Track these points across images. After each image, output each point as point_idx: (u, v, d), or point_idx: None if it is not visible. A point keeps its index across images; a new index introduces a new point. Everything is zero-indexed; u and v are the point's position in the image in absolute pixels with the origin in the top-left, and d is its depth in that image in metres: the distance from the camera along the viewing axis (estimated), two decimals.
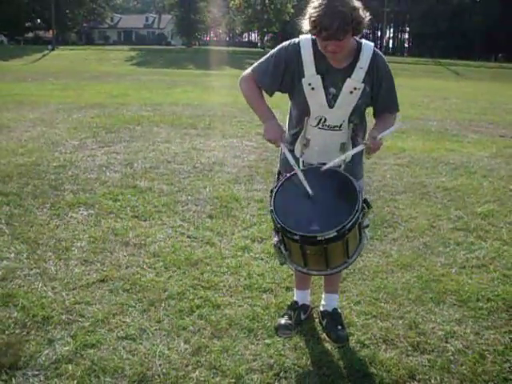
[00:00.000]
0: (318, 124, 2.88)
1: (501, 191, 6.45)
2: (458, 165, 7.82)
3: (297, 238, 2.60)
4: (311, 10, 2.56)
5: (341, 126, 2.87)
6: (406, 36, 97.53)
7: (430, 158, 8.17)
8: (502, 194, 6.31)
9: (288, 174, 2.87)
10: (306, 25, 2.63)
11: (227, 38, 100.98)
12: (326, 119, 2.86)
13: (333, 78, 2.78)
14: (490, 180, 6.99)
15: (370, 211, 2.78)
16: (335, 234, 2.55)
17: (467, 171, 7.45)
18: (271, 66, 2.89)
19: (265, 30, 67.86)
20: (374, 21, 75.29)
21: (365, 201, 2.72)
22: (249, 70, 3.02)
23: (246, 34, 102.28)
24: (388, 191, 6.20)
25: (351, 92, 2.79)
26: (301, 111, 2.91)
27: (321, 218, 2.68)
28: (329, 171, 2.80)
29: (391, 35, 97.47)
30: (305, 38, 2.81)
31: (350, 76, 2.77)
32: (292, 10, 63.88)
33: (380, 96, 2.89)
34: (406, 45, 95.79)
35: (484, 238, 4.86)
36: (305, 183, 2.74)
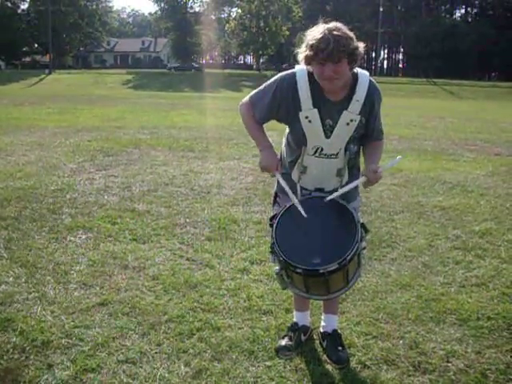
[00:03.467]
0: (315, 153, 2.91)
1: (498, 209, 6.48)
2: (455, 184, 7.85)
3: (299, 271, 2.66)
4: (309, 36, 2.63)
5: (337, 154, 2.91)
6: (401, 57, 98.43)
7: (427, 178, 8.20)
8: (500, 212, 6.33)
9: (287, 205, 2.90)
10: (302, 52, 2.67)
11: (223, 61, 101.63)
12: (322, 149, 2.89)
13: (329, 110, 2.80)
14: (487, 198, 7.01)
15: (367, 235, 2.83)
16: (337, 266, 2.61)
17: (464, 190, 7.48)
18: (267, 99, 2.91)
19: (260, 52, 68.49)
20: (368, 42, 75.98)
21: (362, 225, 2.76)
22: (247, 98, 3.06)
23: (241, 57, 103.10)
24: (386, 211, 6.22)
25: (348, 124, 2.82)
26: (298, 141, 2.93)
27: (322, 250, 2.72)
28: (333, 216, 2.86)
29: (385, 56, 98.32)
30: (301, 70, 2.80)
31: (346, 108, 2.80)
32: (287, 33, 64.61)
33: (371, 125, 2.93)
34: (401, 65, 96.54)
35: (482, 256, 4.86)
36: (299, 207, 2.83)
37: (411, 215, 6.14)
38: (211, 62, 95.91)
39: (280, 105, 2.88)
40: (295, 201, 2.86)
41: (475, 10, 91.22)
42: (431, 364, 3.11)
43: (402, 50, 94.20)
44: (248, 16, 65.44)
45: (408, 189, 7.45)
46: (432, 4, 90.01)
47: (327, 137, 2.85)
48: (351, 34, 2.64)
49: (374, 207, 6.34)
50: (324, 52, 2.55)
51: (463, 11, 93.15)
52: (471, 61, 71.03)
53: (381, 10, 63.53)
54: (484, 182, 8.06)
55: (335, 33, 2.57)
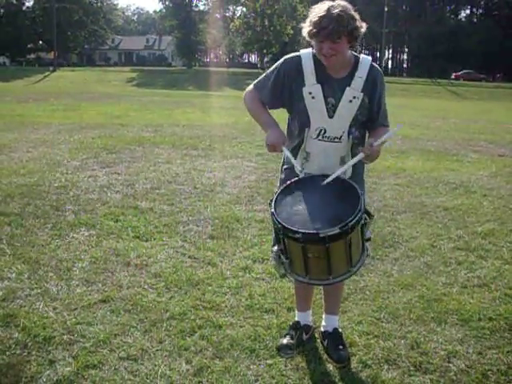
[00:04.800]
0: (318, 136, 2.91)
1: (501, 210, 6.47)
2: (458, 184, 7.84)
3: (299, 236, 2.57)
4: (313, 13, 2.70)
5: (341, 137, 2.91)
6: (405, 56, 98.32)
7: (430, 178, 8.20)
8: (503, 213, 6.32)
9: (289, 181, 2.91)
10: (305, 27, 2.74)
11: (227, 60, 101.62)
12: (325, 130, 2.89)
13: (332, 87, 2.86)
14: (490, 199, 7.01)
15: (371, 221, 2.78)
16: (338, 231, 2.53)
17: (467, 191, 7.47)
18: (271, 79, 3.00)
19: (264, 51, 68.43)
20: (372, 42, 75.88)
21: (366, 211, 2.73)
22: (251, 85, 3.13)
23: (245, 55, 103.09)
24: (388, 211, 6.22)
25: (350, 101, 2.86)
26: (301, 123, 2.95)
27: (323, 217, 2.67)
28: (333, 189, 2.81)
29: (390, 56, 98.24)
30: (305, 51, 2.92)
31: (349, 85, 2.85)
32: (291, 32, 64.47)
33: (375, 107, 2.95)
34: (405, 65, 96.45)
35: (485, 257, 4.86)
36: (294, 162, 2.90)
37: (414, 215, 6.13)
38: (215, 60, 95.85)
39: (284, 83, 2.94)
40: (298, 168, 2.90)
41: (480, 11, 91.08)
42: (432, 364, 3.11)
43: (406, 49, 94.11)
44: (253, 15, 65.43)
45: (411, 189, 7.44)
46: (437, 4, 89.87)
47: (330, 116, 2.87)
48: (354, 14, 2.71)
49: (377, 207, 6.33)
50: (324, 31, 2.64)
51: (468, 11, 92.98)
52: (476, 61, 70.87)
53: (385, 9, 63.36)
54: (487, 183, 8.05)
55: (337, 11, 2.64)
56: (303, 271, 2.73)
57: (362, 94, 2.85)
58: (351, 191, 2.75)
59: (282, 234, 2.67)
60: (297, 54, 2.96)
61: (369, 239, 2.82)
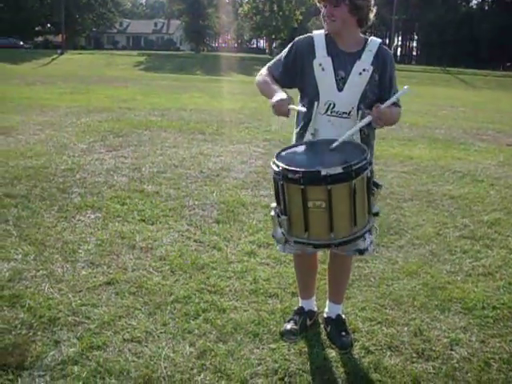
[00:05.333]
0: (327, 111, 2.90)
1: (508, 200, 6.44)
2: (465, 173, 7.81)
3: (299, 175, 2.48)
4: None
5: (349, 113, 2.89)
6: (415, 44, 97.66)
7: (437, 166, 8.17)
8: (509, 203, 6.30)
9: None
10: None
11: (235, 45, 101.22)
12: (334, 104, 2.89)
13: (342, 61, 2.90)
14: (497, 188, 6.98)
15: (379, 191, 2.73)
16: (341, 170, 2.46)
17: (474, 179, 7.45)
18: (284, 56, 3.07)
19: (273, 36, 68.09)
20: (382, 29, 75.39)
21: (374, 182, 2.67)
22: (264, 67, 3.17)
23: (254, 41, 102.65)
24: (394, 198, 6.20)
25: (360, 73, 2.88)
26: (310, 97, 2.95)
27: (327, 160, 2.63)
28: (337, 148, 2.76)
29: (399, 43, 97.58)
30: (317, 31, 3.03)
31: (359, 58, 2.89)
32: (300, 17, 64.11)
33: (387, 85, 2.95)
34: (414, 53, 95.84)
35: (490, 246, 4.85)
36: (300, 108, 2.88)
37: (420, 203, 6.12)
38: (224, 45, 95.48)
39: (296, 58, 3.00)
40: (303, 109, 2.91)
41: None
42: (435, 351, 3.12)
43: (416, 37, 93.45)
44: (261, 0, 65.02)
45: (418, 177, 7.42)
46: None
47: (339, 89, 2.88)
48: None
49: (383, 194, 6.32)
50: None
51: None
52: (486, 50, 70.31)
53: None
54: (494, 172, 8.01)
55: None
56: (302, 228, 2.59)
57: (371, 67, 2.88)
58: (358, 147, 2.73)
59: (282, 179, 2.57)
60: (309, 34, 3.05)
61: (376, 214, 2.72)
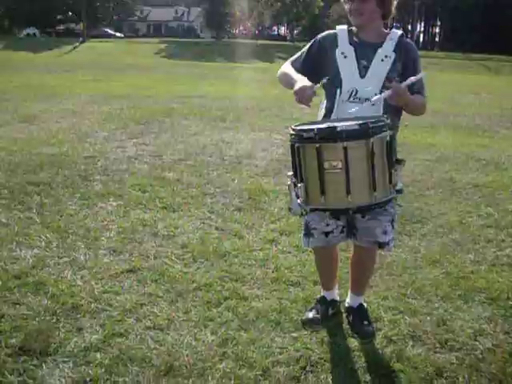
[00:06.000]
0: (350, 97, 2.88)
1: None
2: (489, 161, 7.70)
3: (314, 133, 2.45)
4: None
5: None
6: (437, 30, 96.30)
7: (461, 154, 8.07)
8: None
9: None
10: None
11: (256, 32, 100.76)
12: (357, 91, 2.86)
13: (365, 50, 2.90)
14: None
15: (402, 166, 2.68)
16: (357, 127, 2.42)
17: (498, 167, 7.34)
18: (306, 49, 3.10)
19: (294, 23, 67.69)
20: (404, 14, 74.45)
21: (397, 159, 2.64)
22: (287, 61, 3.18)
23: (275, 28, 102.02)
24: (417, 186, 6.14)
25: (382, 60, 2.87)
26: (333, 84, 2.91)
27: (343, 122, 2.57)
28: (359, 118, 2.70)
29: (422, 29, 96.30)
30: (340, 26, 3.04)
31: (380, 47, 2.89)
32: (321, 4, 63.61)
33: (410, 76, 2.86)
34: (437, 39, 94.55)
35: None
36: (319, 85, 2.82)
37: (443, 191, 6.05)
38: (244, 32, 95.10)
39: (318, 51, 3.02)
40: (324, 80, 2.87)
41: None
42: (458, 342, 3.09)
43: (439, 23, 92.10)
44: None
45: (441, 164, 7.34)
46: None
47: (362, 76, 2.87)
48: None
49: (405, 182, 6.23)
50: None
51: None
52: (511, 35, 69.05)
53: None
54: None
55: None
56: (318, 193, 2.50)
57: (393, 53, 2.87)
58: (376, 114, 2.72)
59: (298, 141, 2.55)
60: (332, 30, 3.07)
61: (400, 191, 2.67)
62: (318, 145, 2.44)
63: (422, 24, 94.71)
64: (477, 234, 4.79)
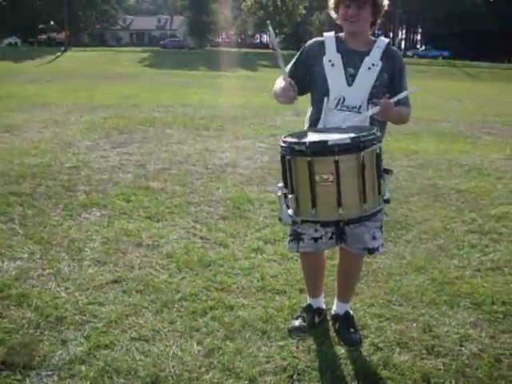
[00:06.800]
0: (337, 105, 2.89)
1: None
2: (472, 167, 7.77)
3: (305, 146, 2.44)
4: None
5: (359, 107, 2.87)
6: (419, 37, 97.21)
7: (444, 160, 8.12)
8: None
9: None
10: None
11: (239, 40, 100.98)
12: (344, 99, 2.88)
13: (352, 58, 2.91)
14: (504, 182, 6.93)
15: (389, 177, 2.67)
16: (348, 141, 2.41)
17: (481, 173, 7.40)
18: (295, 58, 3.09)
19: (277, 31, 67.92)
20: (386, 22, 75.05)
21: (385, 169, 2.64)
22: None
23: (257, 36, 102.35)
24: (401, 193, 6.17)
25: (369, 68, 2.88)
26: (321, 92, 2.93)
27: (334, 136, 2.55)
28: (351, 127, 2.75)
29: (403, 36, 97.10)
30: (327, 33, 3.05)
31: (368, 55, 2.91)
32: (304, 12, 63.94)
33: (397, 85, 2.94)
34: (419, 46, 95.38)
35: (498, 240, 4.82)
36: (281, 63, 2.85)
37: (427, 197, 6.09)
38: (227, 40, 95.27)
39: (306, 58, 3.03)
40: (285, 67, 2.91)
41: None
42: (444, 347, 3.10)
43: (420, 30, 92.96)
44: None
45: (424, 171, 7.38)
46: None
47: (349, 84, 2.88)
48: None
49: (390, 189, 6.24)
50: None
51: None
52: (491, 43, 69.84)
53: None
54: (501, 166, 7.97)
55: None
56: (310, 204, 2.50)
57: (380, 62, 2.88)
58: (366, 126, 2.73)
59: (289, 153, 2.53)
60: (319, 38, 3.07)
61: (387, 200, 2.68)
62: (309, 158, 2.44)
63: (404, 31, 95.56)
64: (461, 239, 4.82)
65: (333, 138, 2.48)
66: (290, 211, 2.61)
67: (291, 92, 2.85)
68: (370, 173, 2.51)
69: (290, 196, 2.58)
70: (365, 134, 2.48)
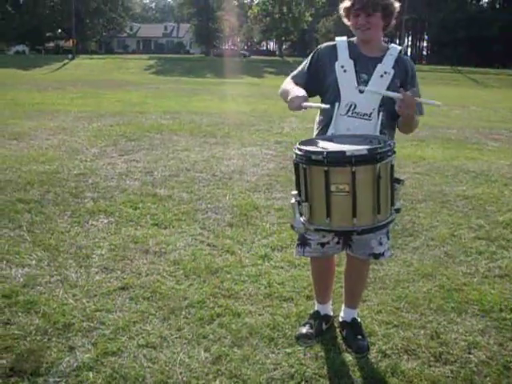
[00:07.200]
0: (348, 111, 2.89)
1: None
2: (479, 173, 7.75)
3: (323, 156, 2.44)
4: None
5: (370, 114, 2.87)
6: (425, 44, 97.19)
7: (450, 167, 8.11)
8: None
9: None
10: (343, 4, 2.94)
11: (245, 47, 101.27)
12: (355, 105, 2.88)
13: (365, 64, 2.92)
14: (511, 188, 6.91)
15: (401, 186, 2.65)
16: (366, 152, 2.42)
17: (488, 180, 7.38)
18: (307, 62, 3.12)
19: (283, 38, 68.13)
20: (392, 28, 75.00)
21: (396, 179, 2.63)
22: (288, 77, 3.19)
23: (263, 43, 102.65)
24: (408, 200, 6.16)
25: (381, 76, 2.89)
26: (332, 97, 2.93)
27: (351, 146, 2.57)
28: (362, 136, 2.77)
29: (409, 43, 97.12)
30: (339, 38, 3.05)
31: (380, 62, 2.91)
32: (310, 19, 64.07)
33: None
34: (425, 52, 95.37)
35: (506, 247, 4.80)
36: (318, 105, 2.86)
37: (434, 204, 6.07)
38: (233, 47, 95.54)
39: (318, 62, 3.04)
40: (323, 106, 2.88)
41: None
42: (452, 355, 3.08)
43: (426, 37, 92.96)
44: (271, 1, 64.93)
45: (431, 177, 7.37)
46: None
47: (361, 91, 2.88)
48: None
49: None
50: (360, 2, 2.83)
51: None
52: (497, 48, 69.73)
53: None
54: (508, 172, 7.94)
55: None
56: (324, 214, 2.51)
57: (392, 70, 2.89)
58: (381, 137, 2.73)
59: (305, 162, 2.52)
60: (332, 42, 3.08)
61: (398, 210, 2.68)
62: (326, 168, 2.44)
63: (410, 38, 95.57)
64: (468, 246, 4.80)
65: (350, 148, 2.49)
66: (303, 219, 2.61)
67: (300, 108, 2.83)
68: (384, 184, 2.52)
69: (303, 204, 2.59)
70: (381, 146, 2.49)
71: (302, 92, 2.84)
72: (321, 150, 2.51)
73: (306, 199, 2.58)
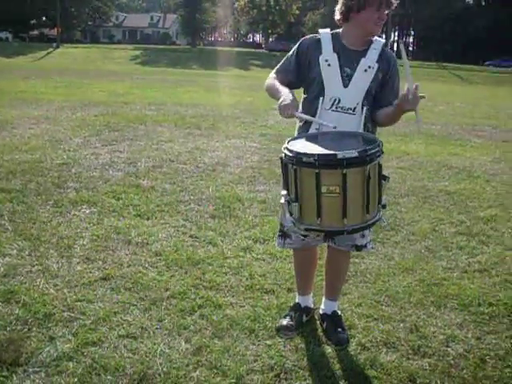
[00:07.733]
0: (332, 106, 2.90)
1: (503, 196, 6.45)
2: (461, 169, 7.81)
3: (314, 158, 2.44)
4: None
5: (354, 109, 2.89)
6: (411, 40, 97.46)
7: (433, 162, 8.17)
8: (505, 199, 6.30)
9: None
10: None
11: (232, 39, 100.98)
12: (340, 100, 2.89)
13: (349, 58, 2.91)
14: (493, 185, 6.99)
15: (386, 183, 2.68)
16: (356, 154, 2.43)
17: (470, 175, 7.45)
18: (291, 54, 3.08)
19: (269, 31, 68.04)
20: None
21: (382, 176, 2.65)
22: (272, 71, 3.18)
23: (250, 35, 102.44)
24: (390, 194, 6.19)
25: (365, 70, 2.89)
26: (316, 92, 2.93)
27: (341, 147, 2.55)
28: (347, 133, 2.80)
29: (396, 39, 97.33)
30: (323, 30, 3.03)
31: (364, 56, 2.91)
32: (297, 12, 64.04)
33: (390, 86, 2.98)
34: (411, 48, 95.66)
35: (486, 242, 4.85)
36: (321, 121, 2.83)
37: (416, 199, 6.12)
38: (220, 39, 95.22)
39: (303, 55, 3.01)
40: (316, 120, 2.87)
41: None
42: (431, 348, 3.12)
43: (412, 33, 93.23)
44: None
45: (414, 172, 7.42)
46: None
47: (345, 85, 2.89)
48: None
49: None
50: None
51: None
52: (483, 46, 70.16)
53: None
54: (490, 168, 8.02)
55: None
56: (314, 215, 2.53)
57: (376, 64, 2.90)
58: (370, 137, 2.75)
59: (296, 164, 2.51)
60: (315, 34, 3.05)
61: (384, 206, 2.70)
62: (317, 170, 2.45)
63: (396, 34, 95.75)
64: (449, 241, 4.85)
65: (339, 147, 2.51)
66: (293, 218, 2.62)
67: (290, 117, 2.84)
68: (373, 184, 2.55)
69: (293, 204, 2.59)
70: (370, 147, 2.50)
71: (290, 97, 2.82)
72: (311, 152, 2.50)
73: (296, 199, 2.58)
